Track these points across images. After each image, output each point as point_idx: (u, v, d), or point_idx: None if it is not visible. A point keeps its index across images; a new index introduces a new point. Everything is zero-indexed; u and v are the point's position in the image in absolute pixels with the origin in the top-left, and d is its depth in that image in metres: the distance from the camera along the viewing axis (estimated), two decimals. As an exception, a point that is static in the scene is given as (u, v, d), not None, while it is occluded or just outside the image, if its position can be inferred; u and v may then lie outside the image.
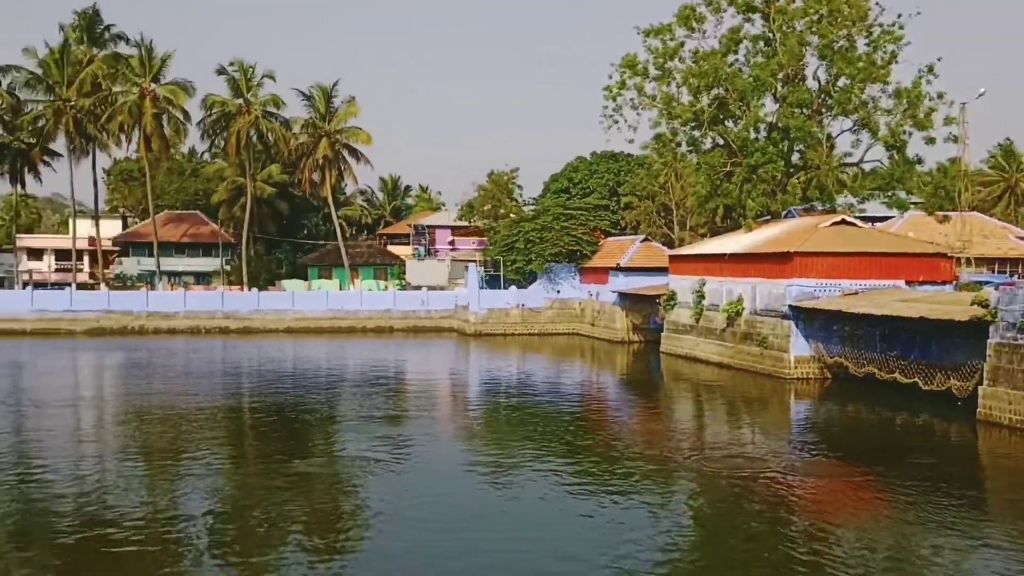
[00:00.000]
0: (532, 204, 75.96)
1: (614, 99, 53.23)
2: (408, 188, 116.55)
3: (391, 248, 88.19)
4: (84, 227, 77.25)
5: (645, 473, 21.78)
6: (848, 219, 41.92)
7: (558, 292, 62.84)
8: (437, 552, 15.71)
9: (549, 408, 32.00)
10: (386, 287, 73.39)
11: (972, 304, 27.97)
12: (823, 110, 49.89)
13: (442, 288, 70.70)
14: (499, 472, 21.66)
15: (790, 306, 37.24)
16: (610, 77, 53.00)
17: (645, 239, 59.76)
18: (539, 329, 60.30)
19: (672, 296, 48.00)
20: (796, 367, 37.07)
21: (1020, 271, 51.74)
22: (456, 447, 25.34)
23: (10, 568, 14.88)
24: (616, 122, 53.55)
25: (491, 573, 14.92)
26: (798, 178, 50.25)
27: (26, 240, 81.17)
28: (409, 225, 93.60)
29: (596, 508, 18.51)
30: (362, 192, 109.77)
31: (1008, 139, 79.42)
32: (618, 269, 57.04)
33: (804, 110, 48.71)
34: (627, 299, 54.58)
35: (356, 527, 17.32)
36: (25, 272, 76.53)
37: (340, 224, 78.99)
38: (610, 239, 64.31)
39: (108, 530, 16.66)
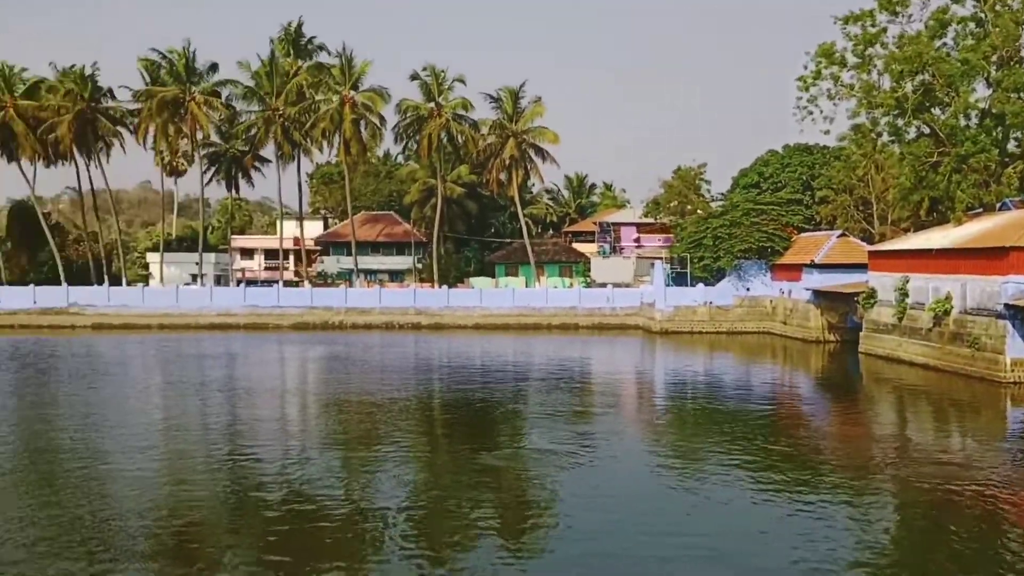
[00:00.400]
0: (720, 200, 74.25)
1: (807, 89, 51.02)
2: (593, 186, 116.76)
3: (576, 246, 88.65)
4: (289, 228, 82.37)
5: (840, 480, 20.73)
6: (1074, 210, 38.34)
7: (748, 289, 61.06)
8: (621, 554, 15.54)
9: (738, 409, 31.08)
10: (571, 284, 73.85)
11: None
12: (1044, 93, 45.78)
13: (627, 285, 70.36)
14: (685, 473, 21.27)
15: (1006, 304, 34.43)
16: (804, 67, 50.82)
17: (842, 234, 57.02)
18: (727, 327, 58.83)
19: (872, 294, 45.57)
20: (1012, 370, 34.19)
21: None
22: (642, 446, 25.09)
23: (221, 539, 16.07)
24: (811, 113, 51.22)
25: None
26: (1015, 168, 46.35)
27: (239, 241, 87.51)
28: (594, 223, 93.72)
29: (786, 516, 17.76)
30: (548, 191, 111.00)
31: None
32: (812, 266, 54.72)
33: (1022, 95, 44.86)
34: (822, 297, 52.28)
35: (542, 524, 17.42)
36: (238, 270, 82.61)
37: (526, 222, 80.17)
38: (803, 235, 61.84)
39: (309, 510, 17.66)
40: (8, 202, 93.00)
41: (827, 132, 54.23)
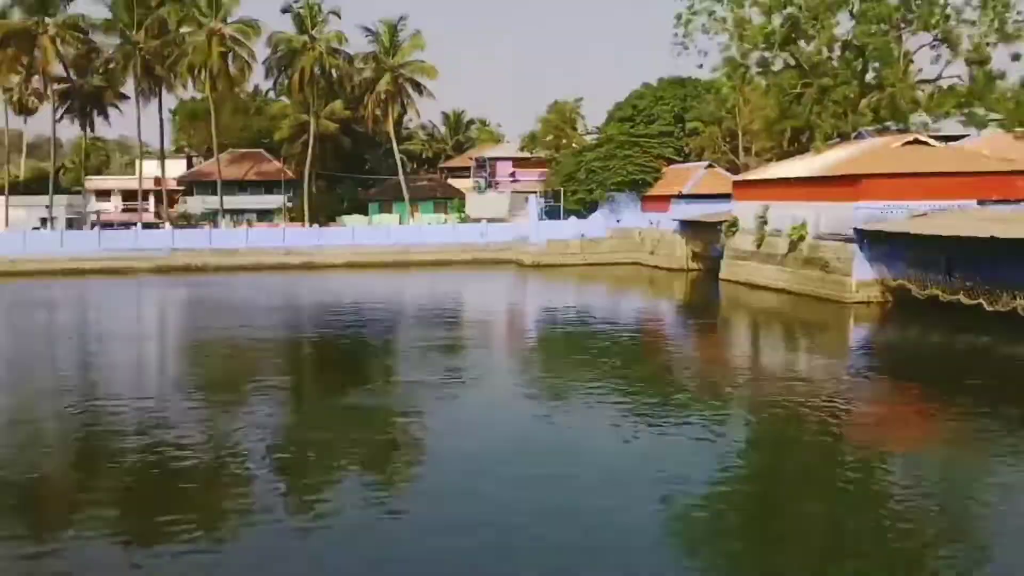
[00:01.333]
0: (595, 134, 74.43)
1: (685, 25, 51.06)
2: (471, 122, 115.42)
3: (452, 182, 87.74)
4: (151, 167, 78.32)
5: (697, 401, 21.19)
6: (921, 138, 40.01)
7: (619, 222, 61.72)
8: (482, 485, 15.12)
9: (603, 338, 31.36)
10: (446, 221, 73.16)
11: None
12: (902, 25, 47.22)
13: (503, 221, 70.08)
14: (550, 401, 21.37)
15: (855, 229, 35.74)
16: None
17: (709, 165, 58.05)
18: (599, 259, 59.35)
19: (734, 223, 46.64)
20: (858, 291, 35.61)
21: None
22: (510, 376, 25.05)
23: (70, 494, 15.22)
24: (686, 48, 51.46)
25: (530, 506, 14.18)
26: (871, 98, 47.95)
27: (95, 182, 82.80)
28: (470, 158, 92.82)
29: (645, 437, 18.03)
30: (424, 127, 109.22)
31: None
32: (680, 196, 55.62)
33: (883, 25, 46.15)
34: (688, 227, 53.31)
35: (406, 460, 17.16)
36: (93, 213, 78.29)
37: (401, 159, 78.68)
38: (673, 166, 62.71)
39: (167, 457, 16.57)
40: None
41: (700, 66, 54.58)
